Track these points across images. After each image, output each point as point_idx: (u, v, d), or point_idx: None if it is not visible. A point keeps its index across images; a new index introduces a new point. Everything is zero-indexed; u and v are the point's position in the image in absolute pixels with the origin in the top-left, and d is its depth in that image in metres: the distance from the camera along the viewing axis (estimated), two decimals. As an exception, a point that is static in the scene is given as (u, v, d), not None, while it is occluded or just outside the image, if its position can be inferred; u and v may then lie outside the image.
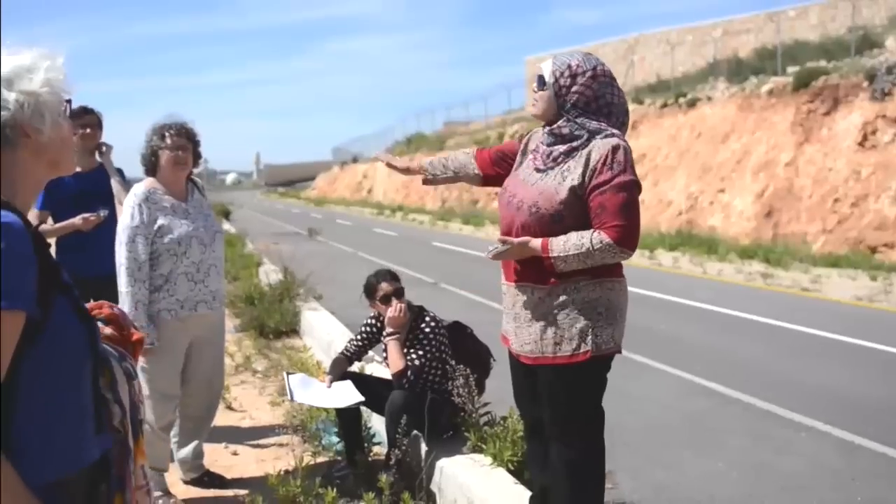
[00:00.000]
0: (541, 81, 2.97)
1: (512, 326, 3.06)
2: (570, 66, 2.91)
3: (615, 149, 2.82)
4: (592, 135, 2.88)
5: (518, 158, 3.16)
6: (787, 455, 5.03)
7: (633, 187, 2.84)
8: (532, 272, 2.93)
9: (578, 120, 2.90)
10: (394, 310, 4.21)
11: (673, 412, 5.97)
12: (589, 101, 2.91)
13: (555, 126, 2.95)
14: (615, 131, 2.90)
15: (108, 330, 1.77)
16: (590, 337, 2.88)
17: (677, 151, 22.92)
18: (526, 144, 3.17)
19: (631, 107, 20.96)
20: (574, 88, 2.90)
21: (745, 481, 4.61)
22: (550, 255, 2.82)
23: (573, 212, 2.85)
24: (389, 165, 3.44)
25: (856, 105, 17.35)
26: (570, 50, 3.03)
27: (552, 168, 2.93)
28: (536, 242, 2.85)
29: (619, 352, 3.00)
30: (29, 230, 1.46)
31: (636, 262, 15.47)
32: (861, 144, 16.66)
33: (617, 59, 39.34)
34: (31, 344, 1.43)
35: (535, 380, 3.05)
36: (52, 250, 4.82)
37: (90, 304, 1.78)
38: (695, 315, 10.16)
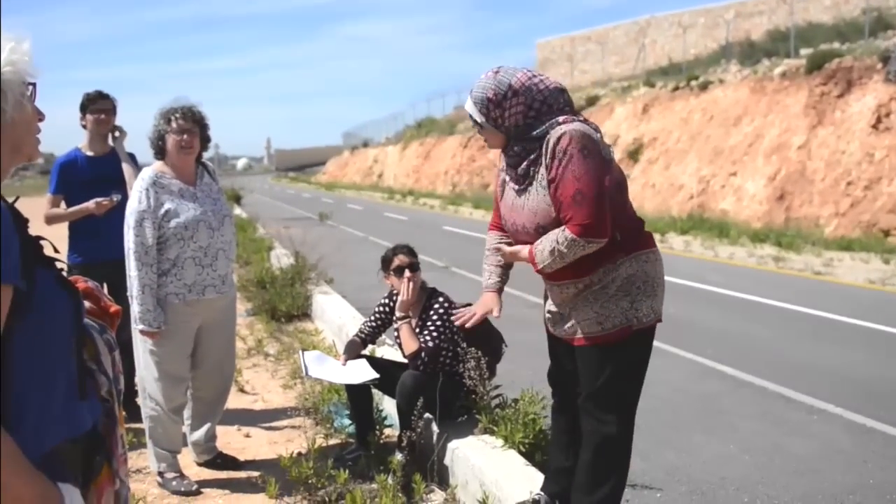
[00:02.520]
0: (476, 123, 2.98)
1: (556, 315, 3.10)
2: (489, 99, 2.88)
3: (559, 139, 2.79)
4: (542, 138, 2.86)
5: (500, 184, 3.16)
6: (799, 438, 5.02)
7: (585, 174, 2.74)
8: (565, 271, 2.93)
9: (525, 136, 2.89)
10: (404, 286, 4.22)
11: (684, 395, 5.96)
12: (525, 114, 2.89)
13: (507, 149, 2.96)
14: (559, 119, 2.85)
15: (85, 303, 1.79)
16: (631, 312, 2.92)
17: (689, 135, 22.79)
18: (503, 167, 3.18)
19: (642, 90, 20.91)
20: (506, 114, 2.89)
21: (757, 464, 4.60)
22: (536, 264, 2.90)
23: None
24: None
25: (869, 87, 17.21)
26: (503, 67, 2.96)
27: (529, 185, 2.92)
28: (525, 252, 2.95)
29: (660, 321, 3.05)
30: (5, 205, 1.47)
31: (647, 245, 15.43)
32: (874, 127, 16.53)
33: (628, 42, 39.16)
34: (21, 317, 1.45)
35: (575, 359, 3.08)
36: (66, 235, 4.87)
37: None
38: (706, 298, 10.13)
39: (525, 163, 2.91)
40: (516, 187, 2.99)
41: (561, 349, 3.20)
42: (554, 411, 3.40)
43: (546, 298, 3.21)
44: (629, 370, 3.02)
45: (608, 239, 2.82)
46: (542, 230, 2.89)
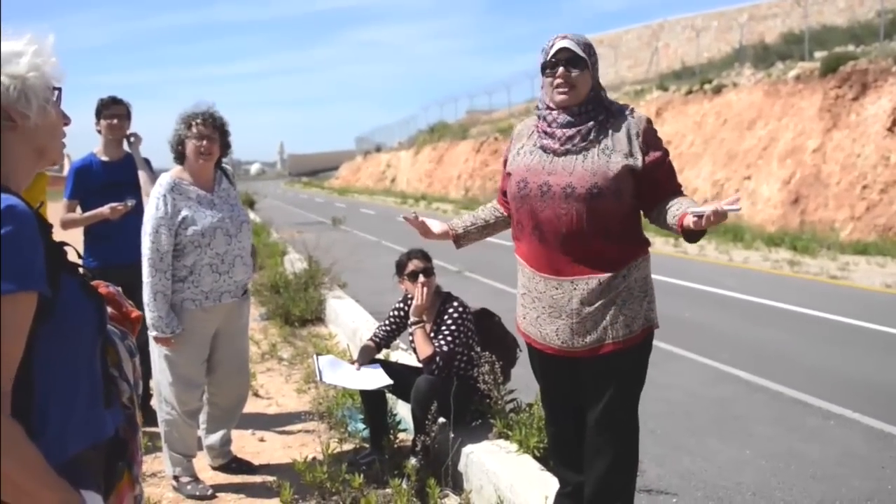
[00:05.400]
0: (576, 61, 2.82)
1: (565, 323, 2.88)
2: (587, 44, 2.88)
3: (649, 121, 2.90)
4: (613, 109, 2.89)
5: (515, 151, 3.05)
6: (815, 443, 4.99)
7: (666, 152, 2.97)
8: (591, 261, 2.82)
9: (600, 98, 2.90)
10: (418, 291, 4.22)
11: (699, 400, 5.93)
12: (595, 77, 2.93)
13: (582, 105, 2.86)
14: (624, 104, 2.97)
15: (108, 309, 1.79)
16: (650, 312, 2.94)
17: (703, 138, 22.72)
18: (520, 135, 3.09)
19: (655, 93, 20.85)
20: (595, 65, 2.91)
21: (773, 469, 4.58)
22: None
23: (628, 187, 2.81)
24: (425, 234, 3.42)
25: (885, 90, 17.09)
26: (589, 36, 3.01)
27: (587, 148, 2.82)
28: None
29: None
30: (31, 211, 1.47)
31: (661, 249, 15.39)
32: (890, 130, 16.41)
33: (641, 46, 39.06)
34: (44, 323, 1.46)
35: (577, 375, 2.96)
36: (80, 239, 4.88)
37: None
38: (721, 303, 10.08)
39: (591, 123, 2.85)
40: (558, 148, 2.86)
41: (558, 366, 3.00)
42: (559, 434, 3.18)
43: (533, 316, 2.98)
44: (643, 372, 3.00)
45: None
46: (595, 192, 2.75)
